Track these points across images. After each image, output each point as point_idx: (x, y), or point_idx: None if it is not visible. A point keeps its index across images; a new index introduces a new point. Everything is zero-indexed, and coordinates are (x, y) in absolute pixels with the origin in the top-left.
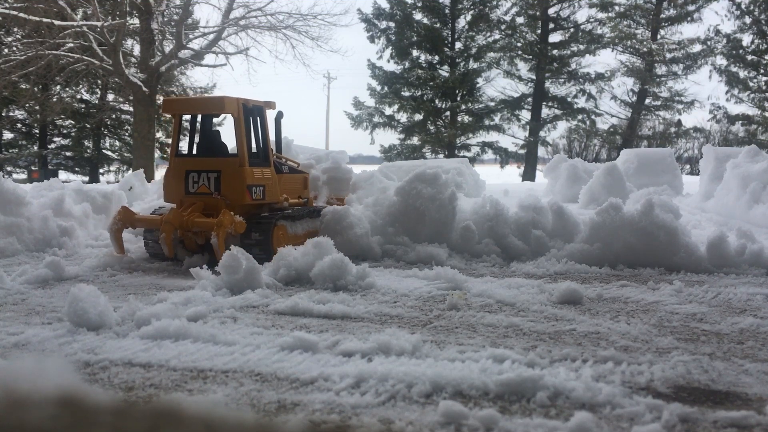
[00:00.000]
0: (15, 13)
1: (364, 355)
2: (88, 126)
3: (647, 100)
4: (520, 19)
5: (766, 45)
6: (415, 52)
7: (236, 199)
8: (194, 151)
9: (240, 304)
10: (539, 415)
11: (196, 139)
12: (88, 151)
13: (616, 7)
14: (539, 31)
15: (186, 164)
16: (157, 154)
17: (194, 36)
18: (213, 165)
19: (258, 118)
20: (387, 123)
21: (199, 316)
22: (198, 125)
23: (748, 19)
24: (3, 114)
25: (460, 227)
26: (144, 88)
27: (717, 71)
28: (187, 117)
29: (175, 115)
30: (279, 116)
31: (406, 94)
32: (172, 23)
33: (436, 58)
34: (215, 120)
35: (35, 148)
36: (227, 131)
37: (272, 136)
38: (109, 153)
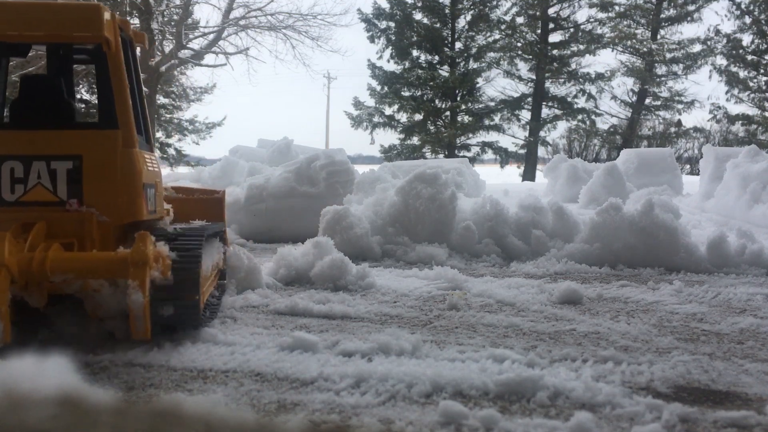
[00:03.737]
0: None
1: (364, 355)
2: None
3: (647, 100)
4: (520, 19)
5: (766, 45)
6: (415, 52)
7: (122, 214)
8: (9, 119)
9: (240, 304)
10: (539, 415)
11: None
12: None
13: (616, 7)
14: (539, 31)
15: None
16: (156, 154)
17: (194, 36)
18: (61, 145)
19: (131, 59)
20: (387, 123)
21: None
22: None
23: (748, 19)
24: None
25: (460, 227)
26: (144, 88)
27: (717, 71)
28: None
29: None
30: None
31: (406, 94)
32: (172, 23)
33: (436, 58)
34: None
35: None
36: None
37: None
38: None
